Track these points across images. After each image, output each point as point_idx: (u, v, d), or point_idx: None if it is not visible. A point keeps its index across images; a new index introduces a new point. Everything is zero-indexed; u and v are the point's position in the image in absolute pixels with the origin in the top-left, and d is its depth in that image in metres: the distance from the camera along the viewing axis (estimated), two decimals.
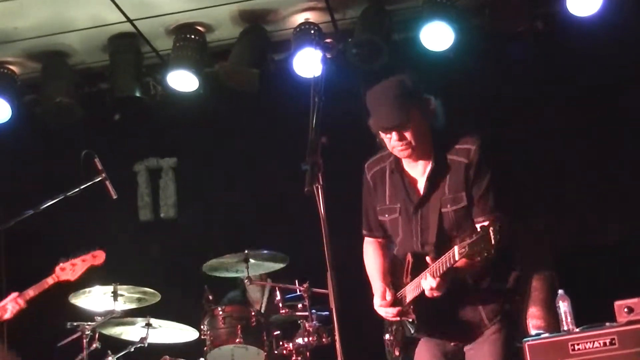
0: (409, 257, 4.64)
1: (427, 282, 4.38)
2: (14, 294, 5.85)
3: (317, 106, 4.21)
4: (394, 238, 4.82)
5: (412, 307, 4.60)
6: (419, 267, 4.53)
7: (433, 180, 4.61)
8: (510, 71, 8.09)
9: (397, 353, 4.85)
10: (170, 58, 8.28)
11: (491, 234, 4.04)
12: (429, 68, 7.78)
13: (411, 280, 4.59)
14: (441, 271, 4.33)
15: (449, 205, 4.55)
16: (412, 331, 4.68)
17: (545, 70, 8.08)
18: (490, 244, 4.05)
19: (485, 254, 4.10)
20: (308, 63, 7.92)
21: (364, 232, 5.05)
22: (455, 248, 4.22)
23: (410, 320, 4.65)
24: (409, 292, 4.60)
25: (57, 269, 6.06)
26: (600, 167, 7.79)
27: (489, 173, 4.55)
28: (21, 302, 5.84)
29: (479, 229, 4.20)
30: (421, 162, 4.68)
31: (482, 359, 4.65)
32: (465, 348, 4.74)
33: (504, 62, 8.10)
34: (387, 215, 4.80)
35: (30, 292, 5.89)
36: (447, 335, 4.76)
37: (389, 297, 4.68)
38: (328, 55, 4.50)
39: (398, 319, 4.73)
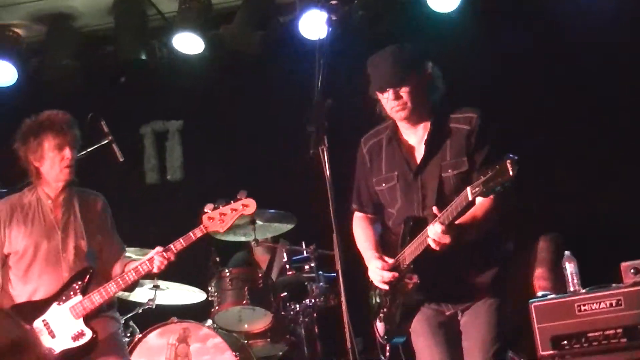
0: (409, 221, 4.60)
1: (435, 229, 4.26)
2: (159, 248, 5.29)
3: (323, 68, 4.21)
4: (392, 207, 4.77)
5: (412, 267, 4.54)
6: (419, 229, 4.47)
7: (432, 145, 4.59)
8: (517, 36, 8.04)
9: (389, 326, 4.85)
10: (176, 20, 8.26)
11: (508, 165, 3.89)
12: (434, 31, 7.75)
13: (410, 242, 4.55)
14: (452, 216, 4.23)
15: (450, 170, 4.52)
16: (413, 294, 4.62)
17: (551, 40, 8.01)
18: (507, 174, 3.89)
19: (502, 188, 3.96)
20: (313, 25, 7.88)
21: (354, 206, 5.01)
22: (468, 189, 4.11)
23: (411, 285, 4.63)
24: (409, 253, 4.54)
25: (205, 218, 5.33)
26: (609, 129, 7.75)
27: (491, 141, 4.54)
28: (169, 255, 5.27)
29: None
30: (419, 128, 4.67)
31: (475, 327, 4.63)
32: (459, 316, 4.75)
33: (512, 29, 8.04)
34: (384, 185, 4.77)
35: (178, 245, 5.27)
36: (445, 298, 4.72)
37: (388, 261, 4.64)
38: (333, 17, 4.49)
39: (388, 287, 4.68)
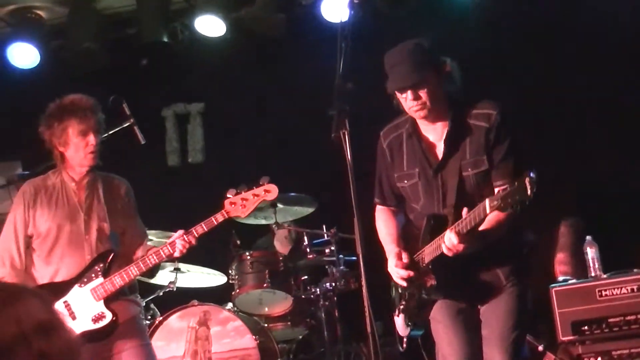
0: (429, 218, 4.60)
1: (450, 237, 4.28)
2: (180, 232, 5.32)
3: (344, 51, 4.18)
4: (415, 203, 4.77)
5: (430, 267, 4.56)
6: (439, 228, 4.46)
7: (452, 143, 4.57)
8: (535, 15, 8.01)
9: (409, 321, 4.86)
10: (198, 3, 8.25)
11: (527, 183, 3.90)
12: (455, 14, 7.72)
13: (430, 241, 4.55)
14: (470, 226, 4.23)
15: (470, 169, 4.51)
16: (430, 294, 4.65)
17: (568, 19, 7.96)
18: (525, 193, 3.90)
19: (519, 206, 3.97)
20: (335, 7, 7.85)
21: (377, 200, 5.00)
22: (486, 201, 4.11)
23: (429, 283, 4.62)
24: (428, 253, 4.55)
25: (227, 203, 5.33)
26: (627, 111, 7.70)
27: (509, 138, 4.51)
28: (191, 239, 5.29)
29: (498, 191, 4.19)
30: (439, 125, 4.63)
31: (495, 315, 4.64)
32: (479, 305, 4.75)
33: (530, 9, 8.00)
34: (406, 182, 4.75)
35: (199, 229, 5.29)
36: (464, 296, 4.73)
37: (405, 258, 4.65)
38: (355, 0, 4.45)
39: (405, 284, 4.70)
